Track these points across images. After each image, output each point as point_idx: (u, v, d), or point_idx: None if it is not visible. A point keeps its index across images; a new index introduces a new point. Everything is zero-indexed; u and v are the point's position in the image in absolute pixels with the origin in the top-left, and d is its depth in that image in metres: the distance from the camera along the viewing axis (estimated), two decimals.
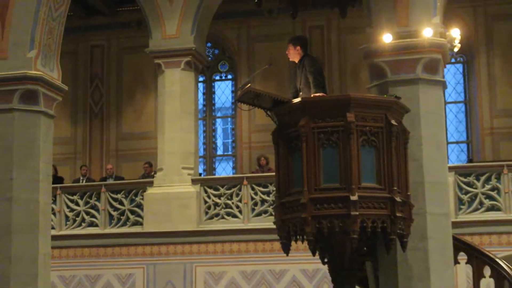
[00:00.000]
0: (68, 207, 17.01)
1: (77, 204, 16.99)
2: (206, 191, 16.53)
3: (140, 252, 16.38)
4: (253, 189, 16.19)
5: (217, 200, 16.43)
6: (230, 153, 20.38)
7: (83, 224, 16.88)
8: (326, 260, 9.51)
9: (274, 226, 9.40)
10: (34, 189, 10.28)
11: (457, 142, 18.86)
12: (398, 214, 8.81)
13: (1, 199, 10.12)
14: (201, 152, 19.19)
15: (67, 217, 16.94)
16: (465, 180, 15.53)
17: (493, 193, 15.35)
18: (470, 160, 18.17)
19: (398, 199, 8.80)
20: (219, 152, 20.65)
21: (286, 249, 9.23)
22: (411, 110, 9.38)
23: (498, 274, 10.90)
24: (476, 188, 15.43)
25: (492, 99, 18.44)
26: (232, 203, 16.34)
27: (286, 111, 9.13)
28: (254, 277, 15.87)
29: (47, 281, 10.64)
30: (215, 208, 16.40)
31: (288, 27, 16.31)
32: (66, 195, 17.05)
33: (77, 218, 16.92)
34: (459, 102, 19.22)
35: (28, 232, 10.14)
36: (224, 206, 16.38)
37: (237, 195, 16.35)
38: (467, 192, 15.43)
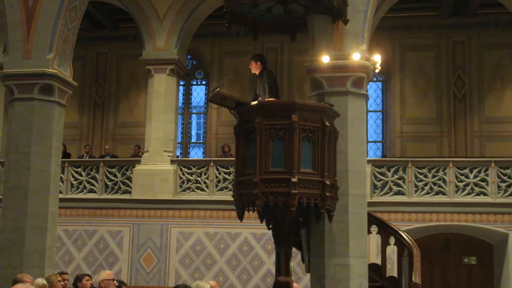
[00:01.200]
0: (73, 176, 16.90)
1: (80, 175, 16.89)
2: (181, 170, 16.54)
3: (128, 214, 16.34)
4: (217, 170, 16.24)
5: (189, 177, 16.45)
6: (201, 141, 20.35)
7: (84, 191, 16.78)
8: (270, 226, 9.62)
9: (232, 199, 9.57)
10: (47, 161, 10.36)
11: (374, 142, 19.05)
12: (327, 194, 8.95)
13: (21, 168, 10.18)
14: (179, 139, 19.13)
15: (72, 184, 16.85)
16: (379, 170, 15.71)
17: (400, 181, 15.56)
18: (383, 156, 18.39)
19: (327, 182, 8.94)
20: (193, 140, 20.61)
21: (241, 216, 9.37)
22: (341, 114, 9.54)
23: (400, 242, 11.10)
24: (387, 177, 15.62)
25: (402, 110, 18.67)
26: (201, 179, 16.37)
27: (246, 110, 9.24)
28: (215, 237, 15.91)
29: (54, 233, 10.71)
30: (187, 183, 16.42)
31: (250, 46, 16.29)
32: (72, 168, 16.95)
33: (80, 186, 16.83)
34: (378, 111, 19.38)
35: (41, 194, 10.19)
36: (194, 181, 16.40)
37: (205, 174, 16.37)
38: (380, 180, 15.62)
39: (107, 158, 17.62)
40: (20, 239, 9.83)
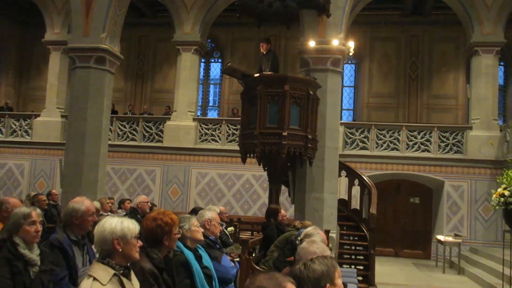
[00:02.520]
0: (119, 128, 17.00)
1: (124, 127, 16.99)
2: (200, 126, 16.63)
3: (159, 158, 16.51)
4: (228, 126, 16.35)
5: (207, 131, 16.55)
6: (216, 105, 20.36)
7: (127, 139, 16.89)
8: (266, 168, 9.76)
9: (238, 148, 9.73)
10: (100, 115, 10.48)
11: (347, 109, 19.02)
12: (309, 145, 9.08)
13: (80, 119, 10.30)
14: (200, 103, 19.19)
15: (118, 134, 16.95)
16: (350, 131, 15.80)
17: (365, 139, 15.66)
18: (353, 120, 18.44)
19: (309, 136, 9.06)
20: (210, 104, 20.62)
21: (244, 160, 9.55)
22: (322, 86, 9.59)
23: (362, 184, 11.29)
24: (355, 136, 15.73)
25: (369, 86, 18.66)
26: (215, 133, 16.49)
27: (250, 81, 9.34)
28: (225, 177, 16.11)
29: (104, 169, 10.84)
30: (205, 136, 16.53)
31: (255, 33, 16.23)
32: (118, 121, 17.03)
33: (124, 135, 16.94)
34: (351, 86, 19.29)
35: (95, 139, 10.35)
36: (210, 135, 16.52)
37: (219, 129, 16.49)
38: (350, 138, 15.72)
39: (145, 115, 17.71)
40: (79, 172, 9.99)
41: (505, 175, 8.88)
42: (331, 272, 2.47)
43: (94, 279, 2.67)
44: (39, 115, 17.81)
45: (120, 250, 2.79)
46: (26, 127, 17.82)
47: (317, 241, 3.71)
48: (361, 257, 10.65)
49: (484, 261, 12.01)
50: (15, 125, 17.96)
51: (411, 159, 15.26)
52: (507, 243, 8.59)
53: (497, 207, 8.65)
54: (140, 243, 2.93)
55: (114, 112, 16.80)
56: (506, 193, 8.42)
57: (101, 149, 10.49)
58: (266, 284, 1.90)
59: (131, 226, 2.86)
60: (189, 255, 3.85)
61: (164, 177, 16.46)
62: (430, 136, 15.34)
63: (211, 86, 20.86)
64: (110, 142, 13.05)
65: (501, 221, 8.97)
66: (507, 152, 14.27)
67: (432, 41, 18.43)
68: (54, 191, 11.62)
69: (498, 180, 9.58)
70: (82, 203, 3.88)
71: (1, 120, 18.03)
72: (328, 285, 2.43)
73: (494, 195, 8.72)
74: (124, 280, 2.77)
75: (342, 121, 16.19)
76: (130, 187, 16.26)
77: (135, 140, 16.86)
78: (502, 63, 17.63)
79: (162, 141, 16.61)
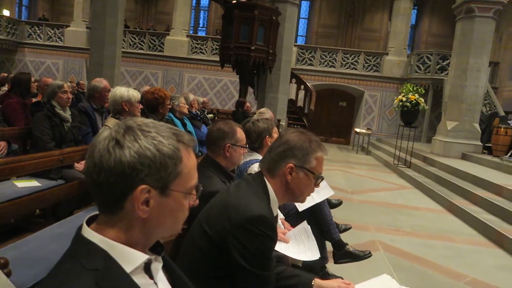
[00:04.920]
0: (130, 39, 16.31)
1: (135, 39, 16.30)
2: (192, 41, 16.09)
3: (161, 63, 16.08)
4: (212, 43, 15.86)
5: (196, 46, 16.08)
6: (205, 26, 19.55)
7: (137, 48, 16.29)
8: (238, 74, 9.74)
9: (219, 59, 9.58)
10: (115, 28, 9.88)
11: (301, 36, 18.60)
12: (270, 58, 9.04)
13: (100, 29, 9.77)
14: (192, 24, 18.39)
15: (130, 43, 16.27)
16: (301, 51, 15.57)
17: (312, 58, 15.53)
18: (305, 43, 18.07)
19: (271, 51, 8.99)
20: (200, 25, 19.73)
21: (222, 66, 9.50)
22: (282, 14, 9.34)
23: (306, 89, 11.41)
24: (305, 55, 15.57)
25: (318, 19, 18.13)
26: (203, 47, 16.05)
27: (229, 6, 8.99)
28: (209, 80, 15.94)
29: (119, 68, 10.40)
30: (195, 49, 16.08)
31: None
32: (130, 34, 16.28)
33: (135, 45, 16.28)
34: (305, 18, 18.73)
35: (112, 45, 9.84)
36: (199, 48, 16.07)
37: (206, 44, 16.01)
38: (301, 56, 15.53)
39: (150, 31, 16.92)
40: (100, 69, 9.61)
41: (404, 87, 9.11)
42: (270, 129, 2.66)
43: (108, 127, 2.79)
44: (69, 26, 16.87)
45: (127, 109, 2.89)
46: (59, 35, 16.94)
47: (266, 115, 3.89)
48: None
49: (385, 146, 12.57)
50: (50, 32, 17.04)
51: (343, 74, 15.33)
52: (400, 135, 9.03)
53: (396, 109, 8.95)
54: (141, 106, 3.04)
55: (126, 27, 16.02)
56: (403, 99, 8.70)
57: (117, 53, 10.11)
58: (223, 127, 2.06)
59: (135, 93, 2.95)
60: (177, 122, 3.99)
61: (164, 78, 16.18)
62: (358, 58, 15.32)
63: (201, 11, 19.83)
64: (123, 50, 12.56)
65: (399, 119, 9.33)
66: (409, 72, 14.48)
67: None
68: (82, 81, 11.37)
69: (400, 91, 9.85)
70: (101, 82, 3.90)
71: (40, 28, 17.09)
72: (267, 136, 2.62)
73: (396, 100, 8.99)
74: None
75: (297, 43, 15.92)
76: (139, 84, 15.91)
77: (143, 49, 16.27)
78: (415, 7, 17.25)
79: (163, 51, 16.09)
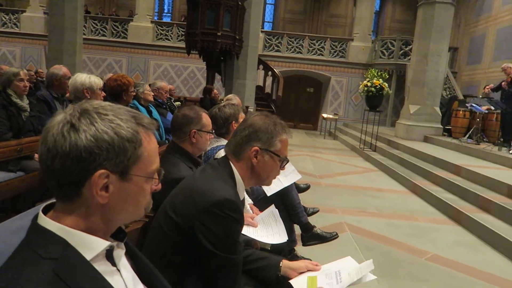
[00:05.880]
0: (92, 25, 15.71)
1: (96, 25, 15.73)
2: (157, 27, 15.69)
3: (125, 51, 15.60)
4: (178, 29, 15.53)
5: (161, 32, 15.70)
6: (170, 12, 19.08)
7: (99, 35, 15.71)
8: (205, 61, 9.60)
9: (184, 45, 9.39)
10: (75, 12, 9.59)
11: (268, 22, 18.49)
12: (237, 44, 8.96)
13: (59, 14, 9.38)
14: (156, 9, 17.93)
15: (91, 30, 15.65)
16: (268, 37, 15.52)
17: (279, 44, 15.52)
18: (272, 29, 17.97)
19: (237, 37, 8.91)
20: (165, 11, 19.23)
21: (188, 53, 9.32)
22: (247, 0, 9.24)
23: (274, 75, 11.42)
24: (272, 42, 15.54)
25: (285, 5, 18.12)
26: (168, 34, 15.70)
27: None
28: (175, 67, 15.65)
29: (81, 56, 10.11)
30: (160, 35, 15.71)
31: None
32: (91, 20, 15.65)
33: (96, 31, 15.72)
34: (272, 4, 18.64)
35: (72, 31, 9.54)
36: (165, 35, 15.70)
37: (171, 31, 15.65)
38: (268, 42, 15.49)
39: (113, 16, 16.34)
40: (60, 57, 9.30)
41: (369, 72, 9.28)
42: (236, 114, 2.65)
43: (63, 111, 2.69)
44: (25, 11, 16.03)
45: (89, 97, 2.80)
46: (15, 21, 16.06)
47: (233, 102, 3.86)
48: None
49: (351, 131, 12.84)
50: (5, 18, 16.13)
51: (310, 60, 15.44)
52: (366, 120, 9.24)
53: (362, 94, 9.13)
54: (103, 93, 2.94)
55: (87, 12, 15.42)
56: (368, 84, 8.88)
57: (77, 40, 9.75)
58: (188, 113, 2.03)
59: (97, 80, 2.85)
60: (142, 109, 3.90)
61: (129, 66, 15.74)
62: (324, 44, 15.46)
63: None
64: (85, 36, 12.12)
65: (364, 104, 9.52)
66: (374, 58, 14.77)
67: None
68: (40, 70, 10.89)
69: (365, 76, 10.03)
70: (60, 69, 3.73)
71: None
72: (234, 122, 2.61)
73: (361, 86, 9.16)
74: None
75: (264, 30, 15.88)
76: (102, 72, 15.40)
77: (105, 36, 15.72)
78: None
79: (126, 38, 15.61)
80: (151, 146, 0.82)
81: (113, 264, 0.83)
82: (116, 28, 15.73)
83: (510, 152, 6.76)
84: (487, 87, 9.42)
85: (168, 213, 1.33)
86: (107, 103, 0.82)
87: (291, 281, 1.49)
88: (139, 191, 0.82)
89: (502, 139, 7.77)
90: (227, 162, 1.43)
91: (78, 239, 0.76)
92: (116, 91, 3.29)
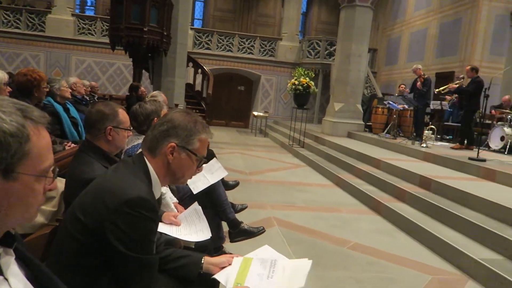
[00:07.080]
0: (4, 17, 14.33)
1: (9, 16, 14.39)
2: (79, 21, 14.75)
3: (43, 45, 14.46)
4: (102, 23, 14.71)
5: (84, 26, 14.79)
6: (93, 5, 17.97)
7: (12, 27, 14.40)
8: (132, 58, 9.22)
9: (109, 40, 8.93)
10: None
11: (198, 19, 18.28)
12: (164, 40, 8.75)
13: None
14: (78, 2, 16.84)
15: (3, 21, 14.33)
16: (198, 34, 15.34)
17: (209, 42, 15.42)
18: (202, 27, 17.78)
19: (165, 33, 8.71)
20: (88, 4, 18.06)
21: (113, 49, 8.91)
22: None
23: (204, 73, 11.32)
24: (202, 39, 15.39)
25: (215, 2, 17.99)
26: (91, 28, 14.84)
27: None
28: (100, 64, 14.83)
29: None
30: (83, 30, 14.78)
31: None
32: (3, 11, 14.34)
33: (9, 23, 14.40)
34: (201, 1, 18.44)
35: None
36: (87, 29, 14.81)
37: (95, 25, 14.82)
38: (198, 40, 15.33)
39: (28, 7, 15.05)
40: None
41: (296, 71, 9.57)
42: (159, 110, 2.57)
43: None
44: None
45: None
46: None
47: (159, 99, 3.75)
48: None
49: (281, 128, 13.14)
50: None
51: (240, 59, 15.54)
52: (295, 117, 9.52)
53: (290, 92, 9.38)
54: (9, 89, 2.69)
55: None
56: (296, 82, 9.14)
57: None
58: (103, 109, 1.92)
59: (0, 74, 2.59)
60: (58, 107, 3.64)
61: (47, 61, 14.64)
62: (254, 43, 15.65)
63: None
64: None
65: (293, 102, 9.79)
66: (301, 57, 15.26)
67: None
68: None
69: (292, 75, 10.32)
70: None
71: None
72: (156, 118, 2.53)
73: (289, 84, 9.41)
74: None
75: (193, 27, 15.68)
76: (16, 67, 14.15)
77: (19, 28, 14.45)
78: None
79: (44, 31, 14.49)
80: (41, 142, 0.75)
81: (0, 273, 0.75)
82: (32, 21, 14.54)
83: (422, 145, 7.37)
84: (401, 86, 10.19)
85: (76, 214, 1.24)
86: None
87: (215, 276, 1.47)
88: (28, 192, 0.74)
89: (415, 134, 8.45)
90: (142, 159, 1.36)
91: None
92: (25, 87, 3.02)
